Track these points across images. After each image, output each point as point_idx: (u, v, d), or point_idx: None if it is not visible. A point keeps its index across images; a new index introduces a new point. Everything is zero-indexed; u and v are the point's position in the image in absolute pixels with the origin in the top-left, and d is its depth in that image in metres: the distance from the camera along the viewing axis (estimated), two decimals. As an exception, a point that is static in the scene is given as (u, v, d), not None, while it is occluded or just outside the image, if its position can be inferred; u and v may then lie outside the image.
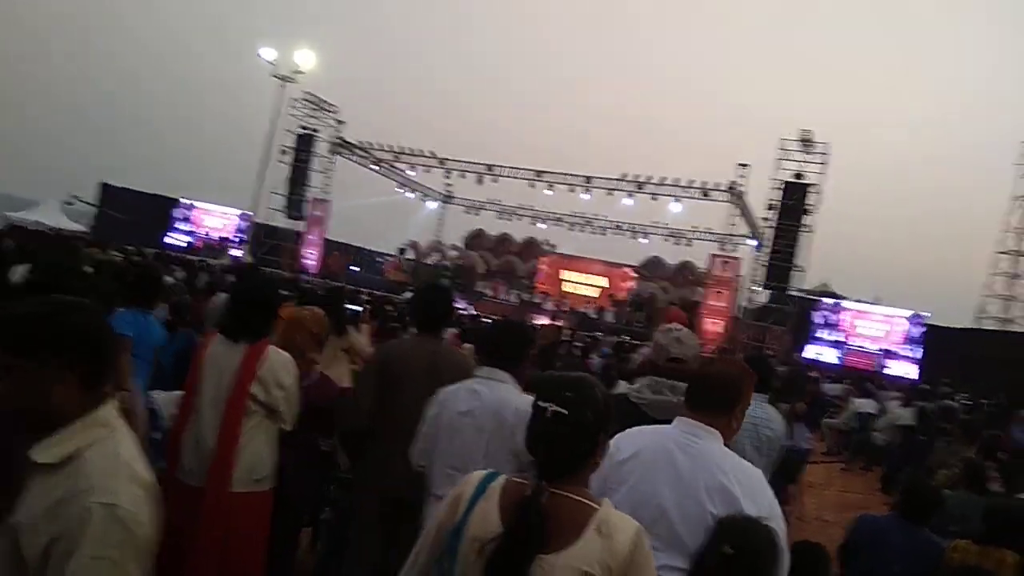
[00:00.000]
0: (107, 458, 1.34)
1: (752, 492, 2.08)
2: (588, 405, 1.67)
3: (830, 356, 22.11)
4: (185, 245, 28.30)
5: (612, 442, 2.09)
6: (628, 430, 2.32)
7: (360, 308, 8.87)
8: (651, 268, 30.06)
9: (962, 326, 24.18)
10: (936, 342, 20.84)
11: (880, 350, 21.50)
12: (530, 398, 2.78)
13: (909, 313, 21.73)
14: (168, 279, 8.57)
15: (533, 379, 5.53)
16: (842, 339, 22.34)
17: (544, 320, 22.66)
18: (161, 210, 29.67)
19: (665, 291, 28.13)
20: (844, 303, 23.61)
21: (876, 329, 21.89)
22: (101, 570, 1.26)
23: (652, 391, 2.78)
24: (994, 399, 11.69)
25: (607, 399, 1.74)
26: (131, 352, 3.22)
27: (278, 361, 3.05)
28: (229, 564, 2.85)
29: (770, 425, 3.62)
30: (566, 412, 1.63)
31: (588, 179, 25.80)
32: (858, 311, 22.94)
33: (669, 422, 2.71)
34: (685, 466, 2.10)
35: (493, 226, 33.15)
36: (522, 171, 26.48)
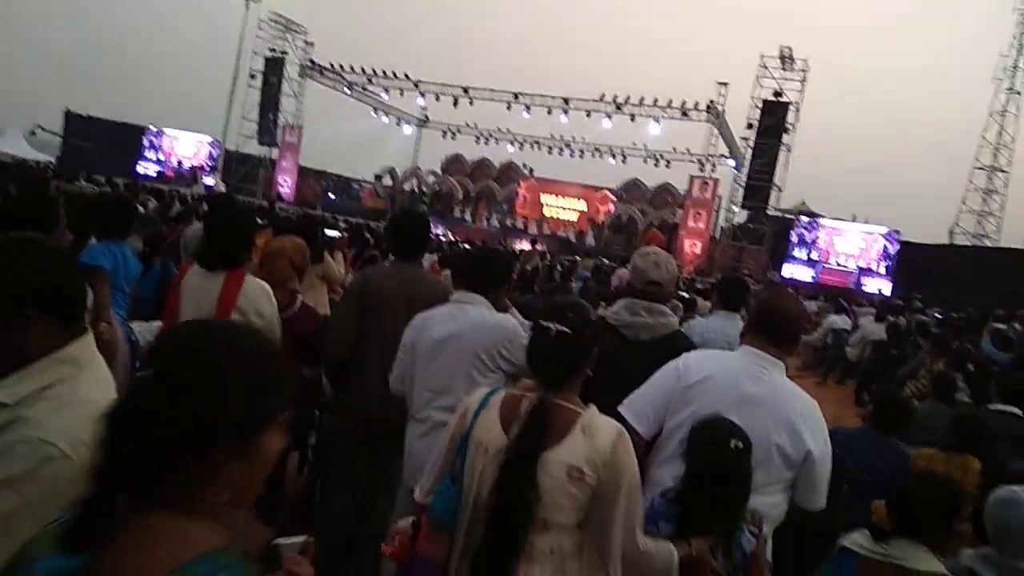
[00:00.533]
0: (61, 396, 1.30)
1: (813, 427, 2.21)
2: (587, 325, 1.89)
3: (806, 274, 22.36)
4: (155, 174, 27.68)
5: (680, 364, 2.38)
6: (694, 353, 2.48)
7: (337, 233, 8.80)
8: (630, 191, 29.95)
9: (936, 242, 24.46)
10: (910, 258, 21.13)
11: (856, 267, 21.77)
12: (505, 316, 2.81)
13: (884, 230, 21.93)
14: (140, 209, 8.42)
15: (529, 303, 5.56)
16: (818, 257, 22.55)
17: (524, 244, 22.68)
18: (129, 139, 28.86)
19: (644, 214, 28.10)
20: (820, 221, 23.75)
21: (852, 246, 22.09)
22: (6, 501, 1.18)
23: (629, 313, 2.81)
24: (965, 313, 11.96)
25: (599, 321, 2.03)
26: (109, 284, 3.17)
27: (256, 289, 3.04)
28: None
29: (744, 341, 3.67)
30: (569, 331, 1.84)
31: (566, 100, 25.41)
32: (834, 228, 23.09)
33: (646, 342, 2.76)
34: (755, 395, 2.22)
35: (471, 151, 32.77)
36: (499, 93, 26.01)
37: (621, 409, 2.32)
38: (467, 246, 13.34)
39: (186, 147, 28.94)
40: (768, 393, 2.22)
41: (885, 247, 21.55)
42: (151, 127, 29.38)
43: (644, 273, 2.87)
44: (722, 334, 3.86)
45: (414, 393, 2.84)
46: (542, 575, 1.74)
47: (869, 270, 21.56)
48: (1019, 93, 28.29)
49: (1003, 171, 28.53)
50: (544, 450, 1.75)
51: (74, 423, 1.23)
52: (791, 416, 2.18)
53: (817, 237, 22.72)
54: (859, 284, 21.12)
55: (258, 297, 3.04)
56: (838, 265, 22.11)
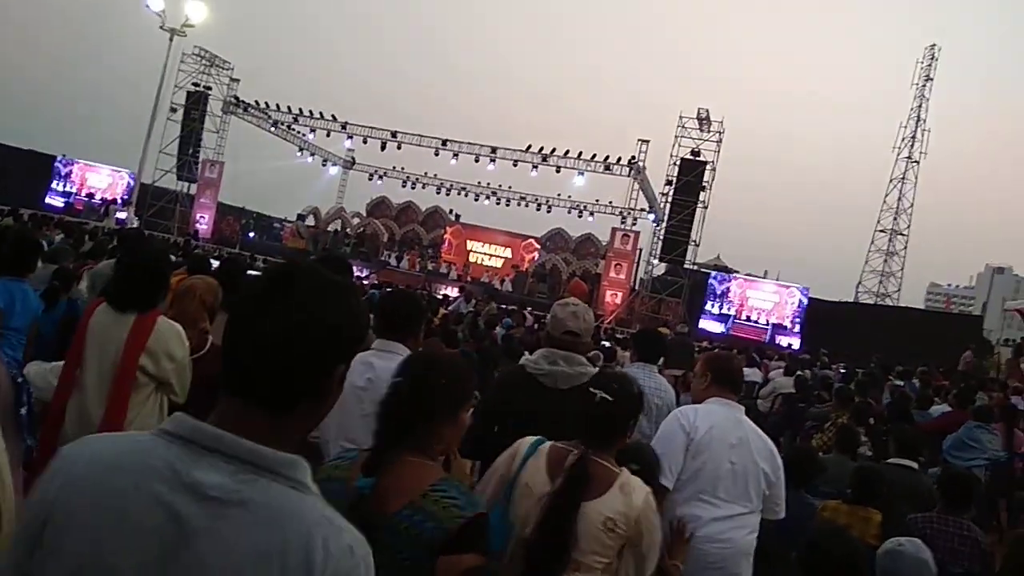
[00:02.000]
0: None
1: (776, 454, 2.91)
2: (629, 397, 2.23)
3: (719, 327, 23.02)
4: (62, 205, 26.48)
5: (684, 422, 2.88)
6: (694, 409, 2.98)
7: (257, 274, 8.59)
8: (554, 240, 30.43)
9: (842, 299, 25.73)
10: (817, 314, 22.08)
11: (768, 322, 22.56)
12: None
13: (797, 286, 22.86)
14: (43, 242, 8.04)
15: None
16: (732, 311, 23.27)
17: (449, 290, 22.64)
18: (40, 168, 27.56)
19: (568, 263, 28.54)
20: (736, 275, 24.63)
21: (766, 301, 22.90)
22: None
23: (548, 362, 2.86)
24: (867, 368, 12.54)
25: (641, 394, 2.29)
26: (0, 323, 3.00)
27: (168, 331, 2.94)
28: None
29: (659, 394, 3.78)
30: (611, 400, 2.16)
31: (493, 149, 25.78)
32: (748, 283, 23.94)
33: (564, 391, 2.80)
34: (742, 436, 2.84)
35: (397, 194, 32.70)
36: (427, 139, 26.20)
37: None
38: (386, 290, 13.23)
39: (100, 179, 27.87)
40: (748, 432, 2.87)
41: (798, 303, 22.44)
42: (62, 156, 28.20)
43: (562, 323, 2.93)
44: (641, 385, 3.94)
45: (330, 440, 2.79)
46: None
47: (781, 326, 22.35)
48: (916, 162, 30.33)
49: (902, 234, 30.35)
50: (584, 501, 2.03)
51: None
52: (767, 447, 2.88)
53: (730, 291, 23.50)
54: (772, 339, 21.86)
55: (170, 339, 2.94)
56: (749, 320, 22.86)
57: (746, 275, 25.18)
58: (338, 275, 3.19)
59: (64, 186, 27.73)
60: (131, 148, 27.01)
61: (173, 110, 27.04)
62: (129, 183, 26.73)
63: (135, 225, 23.46)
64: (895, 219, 30.29)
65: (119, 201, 26.77)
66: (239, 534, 0.94)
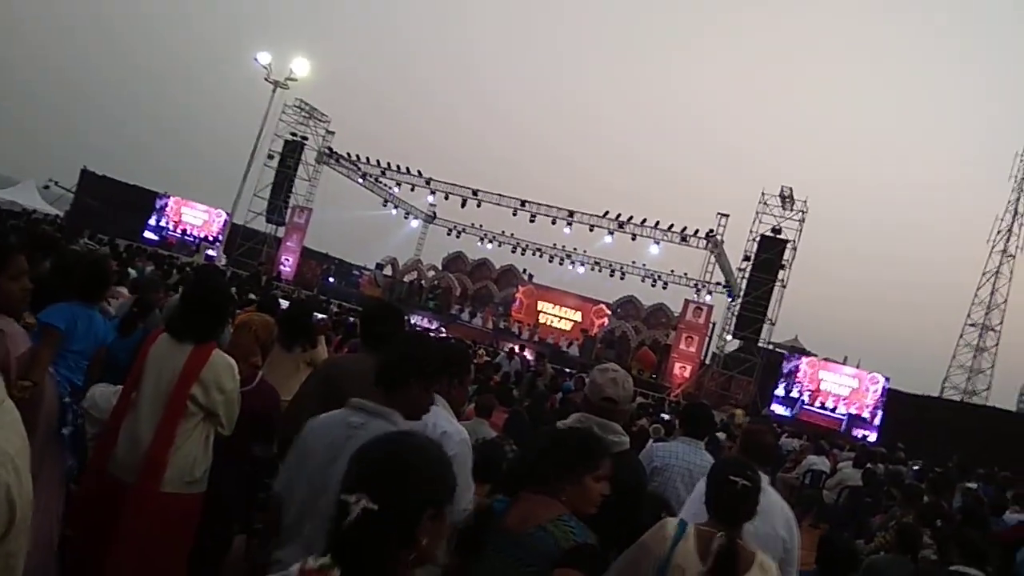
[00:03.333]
0: None
1: (794, 523, 3.12)
2: (759, 482, 2.50)
3: (789, 411, 22.14)
4: (156, 239, 27.95)
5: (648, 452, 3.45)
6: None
7: (322, 316, 8.84)
8: (625, 307, 30.22)
9: (925, 393, 24.48)
10: (897, 407, 21.05)
11: (845, 411, 21.58)
12: (457, 425, 2.81)
13: (878, 376, 21.88)
14: (132, 272, 8.48)
15: (515, 420, 5.52)
16: (806, 396, 22.39)
17: (514, 346, 22.66)
18: (140, 202, 29.29)
19: (637, 331, 28.24)
20: (814, 363, 23.71)
21: (842, 388, 21.94)
22: None
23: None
24: (944, 468, 11.85)
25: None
26: (56, 345, 3.16)
27: (221, 364, 3.06)
28: (150, 563, 2.82)
29: (704, 471, 3.66)
30: (750, 485, 2.44)
31: (571, 213, 26.01)
32: (822, 366, 23.02)
33: None
34: (764, 504, 2.79)
35: (473, 250, 33.26)
36: (506, 198, 26.66)
37: None
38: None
39: (196, 216, 29.36)
40: (770, 501, 2.95)
41: (879, 392, 21.45)
42: (163, 193, 29.93)
43: (601, 388, 2.90)
44: (683, 460, 3.84)
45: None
46: None
47: (859, 416, 21.28)
48: (1012, 256, 29.05)
49: (994, 330, 28.90)
50: None
51: None
52: (785, 516, 3.04)
53: (800, 371, 22.68)
54: (848, 429, 20.84)
55: (222, 372, 3.06)
56: (823, 407, 21.90)
57: (823, 359, 24.22)
58: (392, 324, 3.26)
59: (160, 221, 29.28)
60: (227, 190, 28.46)
61: (270, 157, 28.45)
62: (223, 222, 28.11)
63: (222, 263, 24.58)
64: (987, 314, 28.90)
65: (210, 239, 28.12)
66: (369, 434, 1.81)
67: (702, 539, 2.37)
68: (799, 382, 22.68)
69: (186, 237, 28.65)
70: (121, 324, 5.00)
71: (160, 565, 2.86)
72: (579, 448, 2.28)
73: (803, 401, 22.26)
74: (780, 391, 22.48)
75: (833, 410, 21.73)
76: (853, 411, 21.40)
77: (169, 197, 29.62)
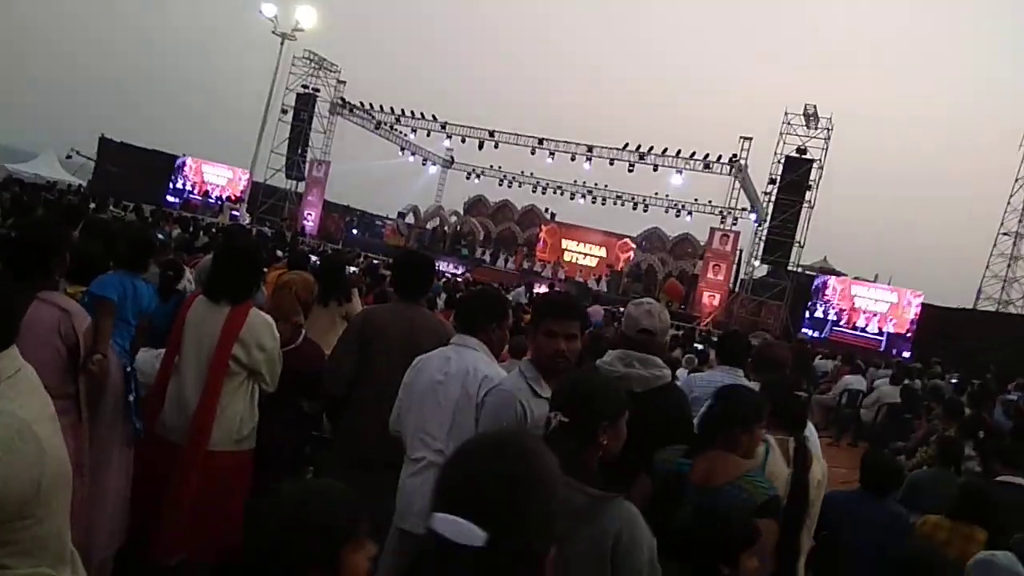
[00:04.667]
0: None
1: None
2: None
3: (825, 331, 22.02)
4: (177, 202, 28.12)
5: (687, 386, 3.64)
6: (698, 376, 3.58)
7: (354, 269, 8.89)
8: (650, 239, 30.01)
9: (960, 306, 24.09)
10: (931, 321, 20.83)
11: (879, 328, 21.43)
12: (498, 368, 2.83)
13: (915, 292, 21.62)
14: (160, 237, 8.56)
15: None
16: (838, 316, 22.24)
17: (543, 288, 22.70)
18: (161, 166, 29.43)
19: (664, 263, 28.10)
20: (844, 280, 23.45)
21: (879, 304, 21.73)
22: None
23: (623, 364, 2.80)
24: (982, 380, 11.76)
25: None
26: (113, 315, 3.23)
27: (259, 323, 3.09)
28: (205, 521, 2.91)
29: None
30: (807, 396, 3.00)
31: (590, 148, 25.66)
32: (852, 285, 22.80)
33: (639, 394, 2.75)
34: None
35: (494, 193, 33.08)
36: (524, 138, 26.33)
37: None
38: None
39: (219, 177, 29.44)
40: None
41: (907, 309, 21.24)
42: (183, 155, 29.99)
43: (637, 321, 2.87)
44: (723, 389, 3.84)
45: (407, 435, 2.86)
46: None
47: (899, 335, 21.16)
48: (1046, 161, 28.14)
49: (1029, 238, 28.24)
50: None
51: None
52: None
53: (829, 292, 22.48)
54: (889, 348, 20.70)
55: (261, 331, 3.09)
56: (856, 328, 21.75)
57: (854, 278, 23.94)
58: (423, 269, 3.31)
59: (179, 183, 29.39)
60: (244, 148, 28.44)
61: (284, 111, 28.28)
62: (246, 180, 28.18)
63: (247, 221, 24.72)
64: (1021, 221, 28.21)
65: (233, 198, 28.26)
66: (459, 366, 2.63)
67: (782, 447, 2.72)
68: (827, 301, 22.46)
69: (208, 199, 28.81)
70: (159, 290, 5.09)
71: (214, 521, 2.94)
72: (755, 405, 2.54)
73: (833, 321, 22.10)
74: (817, 313, 22.33)
75: (865, 328, 21.58)
76: (891, 329, 21.19)
77: (192, 160, 29.68)
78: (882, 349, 20.36)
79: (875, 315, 21.63)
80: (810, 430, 3.19)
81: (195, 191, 29.25)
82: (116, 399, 2.98)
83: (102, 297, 3.19)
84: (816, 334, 21.86)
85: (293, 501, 1.20)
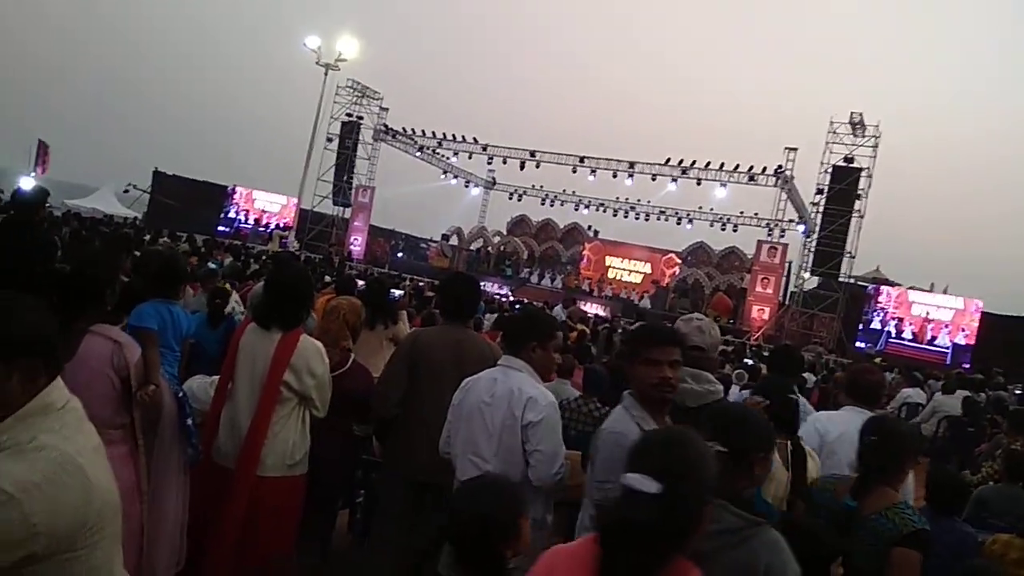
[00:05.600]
0: (19, 443, 1.37)
1: None
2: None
3: (883, 343, 21.39)
4: (229, 231, 28.80)
5: (820, 426, 3.42)
6: (828, 415, 3.57)
7: (400, 292, 8.98)
8: (696, 254, 29.70)
9: (1018, 314, 23.23)
10: (990, 330, 20.13)
11: (938, 340, 20.73)
12: (543, 388, 2.82)
13: (975, 302, 20.88)
14: (211, 265, 8.77)
15: (594, 373, 5.49)
16: (896, 328, 21.60)
17: (590, 307, 22.59)
18: (213, 197, 30.22)
19: (711, 277, 27.76)
20: (903, 290, 22.77)
21: (944, 313, 21.06)
22: None
23: None
24: (1050, 390, 11.32)
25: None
26: (157, 344, 3.30)
27: (310, 349, 3.13)
28: (257, 545, 2.95)
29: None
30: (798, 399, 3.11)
31: (631, 164, 25.58)
32: (915, 295, 22.10)
33: (691, 409, 2.72)
34: None
35: (536, 212, 33.15)
36: (565, 156, 26.38)
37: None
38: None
39: (271, 204, 30.08)
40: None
41: (966, 318, 20.55)
42: (232, 186, 30.74)
43: (687, 338, 2.83)
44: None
45: (457, 456, 2.87)
46: None
47: (965, 347, 20.48)
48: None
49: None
50: None
51: (25, 468, 1.33)
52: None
53: (891, 298, 21.84)
54: (945, 356, 20.04)
55: (311, 357, 3.13)
56: (917, 339, 21.07)
57: (908, 287, 23.27)
58: (469, 291, 3.34)
59: (230, 212, 30.10)
60: (291, 176, 29.08)
61: (329, 140, 28.88)
62: (293, 208, 28.77)
63: (296, 248, 25.20)
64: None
65: (282, 226, 28.86)
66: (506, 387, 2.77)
67: (780, 451, 2.68)
68: (881, 309, 21.82)
69: (259, 227, 29.46)
70: (208, 317, 5.21)
71: (265, 544, 2.98)
72: (912, 439, 2.72)
73: (889, 333, 21.48)
74: (878, 324, 21.70)
75: (933, 341, 20.78)
76: (961, 340, 20.47)
77: (243, 190, 30.41)
78: (947, 363, 19.49)
79: (940, 324, 20.89)
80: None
81: (246, 219, 29.92)
82: (171, 426, 3.05)
83: (143, 328, 3.25)
84: (870, 347, 21.24)
85: (489, 492, 1.83)
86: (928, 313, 21.25)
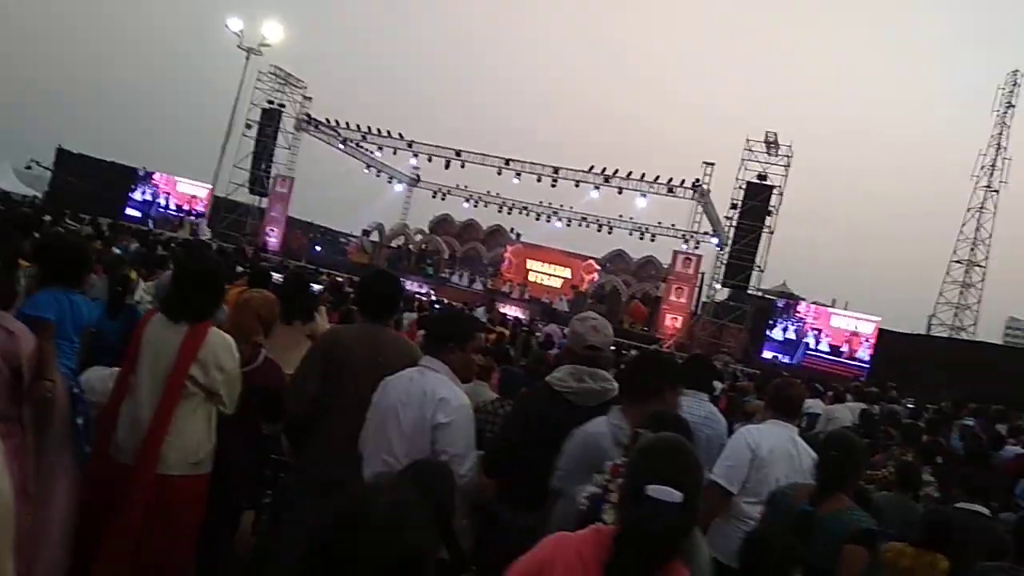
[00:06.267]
0: None
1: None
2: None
3: (789, 357, 22.18)
4: (139, 216, 27.59)
5: (750, 441, 3.48)
6: (758, 429, 3.60)
7: (319, 287, 8.75)
8: (614, 261, 30.24)
9: (913, 331, 24.70)
10: (886, 346, 21.23)
11: (836, 352, 21.63)
12: (458, 390, 2.79)
13: (875, 319, 21.95)
14: (116, 250, 8.34)
15: (510, 375, 5.47)
16: (801, 340, 22.41)
17: (509, 309, 22.67)
18: (120, 179, 28.78)
19: (627, 284, 28.29)
20: (809, 305, 23.74)
21: (838, 332, 22.02)
22: None
23: (575, 379, 2.82)
24: (938, 405, 11.98)
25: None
26: (54, 335, 3.08)
27: (219, 343, 3.00)
28: (155, 548, 2.80)
29: (710, 423, 3.69)
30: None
31: (556, 169, 25.81)
32: (824, 312, 23.07)
33: (595, 408, 2.75)
34: (795, 453, 3.45)
35: (459, 212, 33.04)
36: (490, 158, 26.38)
37: (717, 479, 3.35)
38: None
39: (197, 189, 28.91)
40: (801, 452, 3.47)
41: (867, 335, 21.55)
42: (142, 168, 29.41)
43: (583, 337, 2.89)
44: (689, 413, 3.84)
45: (369, 452, 2.81)
46: None
47: (851, 356, 21.45)
48: (996, 191, 29.10)
49: (980, 266, 29.09)
50: None
51: None
52: (812, 460, 3.27)
53: (802, 318, 22.73)
54: (863, 371, 20.82)
55: (221, 350, 3.00)
56: (832, 350, 21.83)
57: (812, 302, 24.34)
58: (390, 289, 3.25)
59: (144, 196, 28.81)
60: (206, 162, 28.07)
61: (248, 126, 27.98)
62: (207, 195, 27.74)
63: (207, 236, 24.32)
64: (972, 250, 29.07)
65: (194, 213, 27.78)
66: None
67: None
68: (799, 320, 22.52)
69: (167, 212, 28.27)
70: (108, 306, 4.91)
71: (163, 547, 2.83)
72: (867, 452, 3.18)
73: (807, 344, 22.17)
74: (777, 334, 22.47)
75: (854, 355, 21.41)
76: (845, 351, 21.38)
77: (152, 173, 29.11)
78: (863, 378, 20.15)
79: (860, 339, 21.57)
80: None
81: (163, 206, 28.67)
82: (63, 423, 2.86)
83: (38, 318, 3.02)
84: (787, 359, 21.98)
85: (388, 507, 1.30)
86: (857, 327, 21.94)
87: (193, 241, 16.32)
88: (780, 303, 23.68)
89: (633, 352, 14.57)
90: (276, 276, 7.13)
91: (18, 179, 27.71)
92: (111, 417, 2.96)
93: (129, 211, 28.00)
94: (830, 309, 23.25)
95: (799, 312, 23.02)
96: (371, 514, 1.27)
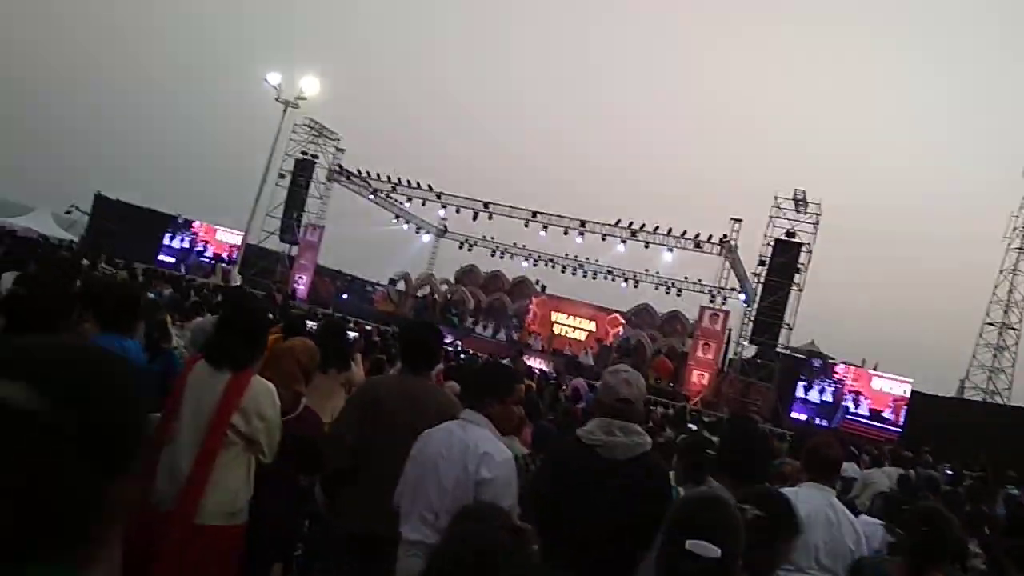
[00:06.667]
0: None
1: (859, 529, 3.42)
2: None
3: (820, 418, 21.73)
4: (172, 262, 28.06)
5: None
6: (793, 492, 3.31)
7: (355, 335, 8.78)
8: (640, 315, 30.08)
9: (944, 394, 24.11)
10: (918, 409, 20.75)
11: (893, 419, 21.12)
12: (497, 447, 2.75)
13: (909, 381, 21.49)
14: (151, 295, 8.45)
15: (542, 430, 5.42)
16: (839, 403, 21.91)
17: (533, 361, 22.54)
18: (155, 226, 29.43)
19: (653, 339, 28.09)
20: (838, 367, 23.36)
21: (877, 395, 21.49)
22: None
23: (604, 432, 2.76)
24: (977, 471, 11.63)
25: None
26: None
27: (261, 391, 2.99)
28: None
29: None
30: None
31: (582, 223, 25.95)
32: (860, 375, 22.50)
33: (621, 462, 2.69)
34: (834, 518, 3.32)
35: (485, 263, 33.22)
36: (517, 210, 26.61)
37: None
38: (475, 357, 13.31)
39: (235, 237, 29.40)
40: (841, 517, 3.35)
41: (899, 397, 21.10)
42: (179, 215, 30.04)
43: (614, 390, 2.84)
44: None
45: (408, 511, 2.76)
46: None
47: (884, 419, 20.90)
48: (1029, 253, 28.62)
49: (1014, 328, 28.48)
50: None
51: None
52: (857, 527, 3.38)
53: (840, 382, 22.25)
54: (880, 432, 20.38)
55: (262, 399, 3.00)
56: (852, 414, 21.38)
57: (842, 361, 23.95)
58: (432, 340, 3.24)
59: (183, 244, 29.36)
60: (239, 210, 28.54)
61: (282, 176, 28.54)
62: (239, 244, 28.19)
63: (238, 283, 24.61)
64: (1006, 312, 28.51)
65: (226, 259, 28.20)
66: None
67: None
68: (839, 380, 22.05)
69: (201, 259, 28.74)
70: (144, 350, 4.93)
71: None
72: (956, 526, 3.01)
73: (846, 408, 21.64)
74: (814, 395, 22.02)
75: (877, 417, 21.04)
76: (889, 416, 20.88)
77: (189, 221, 29.73)
78: (897, 441, 19.81)
79: (881, 404, 21.15)
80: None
81: (202, 253, 29.24)
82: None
83: None
84: (824, 422, 21.43)
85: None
86: (893, 389, 21.47)
87: (231, 287, 16.50)
88: (816, 363, 23.30)
89: (660, 408, 14.38)
90: (310, 324, 7.16)
91: (56, 224, 28.37)
92: (151, 465, 2.94)
93: (162, 257, 28.50)
94: (871, 371, 22.78)
95: (837, 373, 22.59)
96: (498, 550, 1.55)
